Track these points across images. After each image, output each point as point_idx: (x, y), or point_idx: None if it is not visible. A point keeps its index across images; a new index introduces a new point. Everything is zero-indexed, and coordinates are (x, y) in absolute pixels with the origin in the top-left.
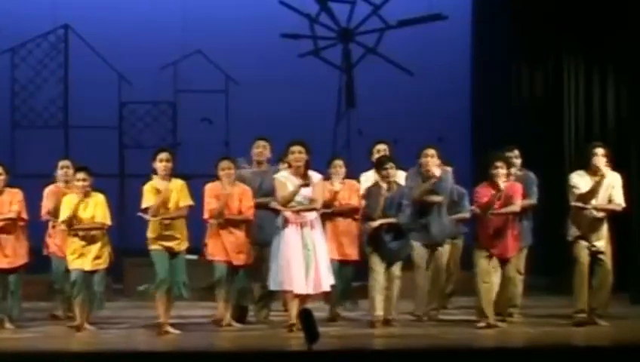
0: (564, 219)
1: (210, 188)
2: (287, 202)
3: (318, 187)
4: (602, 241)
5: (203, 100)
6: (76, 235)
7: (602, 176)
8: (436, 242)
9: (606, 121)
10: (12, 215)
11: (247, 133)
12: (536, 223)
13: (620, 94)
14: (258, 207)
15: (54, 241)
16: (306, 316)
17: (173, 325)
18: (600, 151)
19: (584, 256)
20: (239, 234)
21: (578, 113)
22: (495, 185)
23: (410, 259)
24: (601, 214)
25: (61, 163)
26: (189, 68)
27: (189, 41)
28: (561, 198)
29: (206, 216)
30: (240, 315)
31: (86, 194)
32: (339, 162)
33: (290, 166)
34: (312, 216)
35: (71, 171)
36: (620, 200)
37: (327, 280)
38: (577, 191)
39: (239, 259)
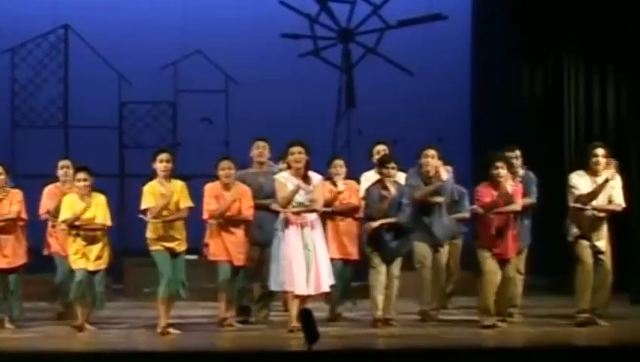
0: (564, 219)
1: (209, 188)
2: (287, 202)
3: (318, 188)
4: (602, 241)
5: (203, 100)
6: (78, 235)
7: (607, 181)
8: (438, 242)
9: (606, 121)
10: (13, 215)
11: (247, 133)
12: (536, 223)
13: (620, 94)
14: (259, 208)
15: (57, 241)
16: (306, 316)
17: (173, 325)
18: (600, 151)
19: (588, 256)
20: (239, 235)
21: (578, 113)
22: (496, 185)
23: (409, 258)
24: (601, 214)
25: (61, 163)
26: (189, 68)
27: (189, 41)
28: (561, 198)
29: (205, 216)
30: (244, 315)
31: (87, 194)
32: (339, 162)
33: (290, 167)
34: (312, 216)
35: (71, 171)
36: (620, 201)
37: (327, 281)
38: (577, 192)
39: (240, 260)
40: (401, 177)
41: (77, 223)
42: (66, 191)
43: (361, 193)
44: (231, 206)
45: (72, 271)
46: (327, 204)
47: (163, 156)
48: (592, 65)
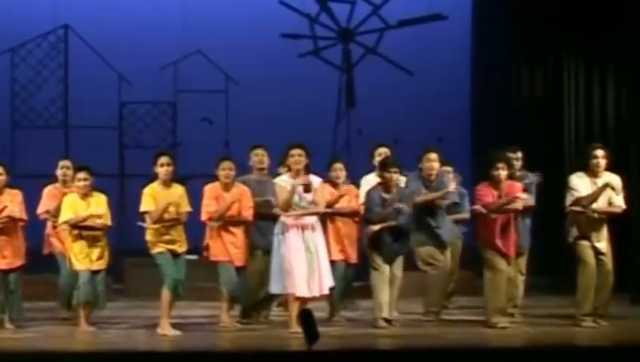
0: (564, 219)
1: (209, 189)
2: (287, 204)
3: (319, 191)
4: (603, 243)
5: (203, 100)
6: (80, 236)
7: (606, 185)
8: (444, 245)
9: (606, 121)
10: (16, 214)
11: (247, 133)
12: (536, 224)
13: (620, 94)
14: (262, 217)
15: (59, 241)
16: (306, 316)
17: (173, 325)
18: (600, 152)
19: (590, 256)
20: (239, 236)
21: (578, 113)
22: (497, 185)
23: (409, 258)
24: (601, 216)
25: (61, 163)
26: (189, 68)
27: (189, 41)
28: (561, 199)
29: (204, 217)
30: (247, 315)
31: (87, 194)
32: (339, 165)
33: (289, 169)
34: (313, 219)
35: (70, 171)
36: (620, 203)
37: (328, 283)
38: (577, 194)
39: (240, 260)
40: (401, 182)
41: (80, 223)
42: (66, 191)
43: (362, 196)
44: (230, 207)
45: (75, 273)
46: (328, 205)
47: (164, 160)
48: (592, 65)
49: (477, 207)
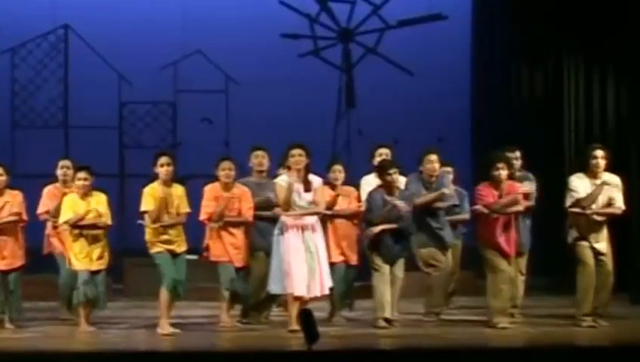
0: (564, 220)
1: (209, 189)
2: (286, 203)
3: (319, 191)
4: (603, 243)
5: (203, 100)
6: (80, 235)
7: (603, 183)
8: (446, 246)
9: (606, 122)
10: (14, 215)
11: (247, 133)
12: (536, 224)
13: (620, 94)
14: (262, 217)
15: (59, 241)
16: (306, 316)
17: (173, 325)
18: (599, 153)
19: (589, 257)
20: (239, 236)
21: (578, 113)
22: (497, 186)
23: (410, 259)
24: (601, 218)
25: (61, 163)
26: (189, 68)
27: (189, 41)
28: (561, 199)
29: (202, 217)
30: (247, 315)
31: (87, 194)
32: (338, 167)
33: (290, 169)
34: (313, 219)
35: (70, 171)
36: (620, 204)
37: (328, 283)
38: (576, 195)
39: (240, 261)
40: (401, 181)
41: (81, 222)
42: (66, 191)
43: (363, 196)
44: (228, 205)
45: (74, 273)
46: (328, 206)
47: (164, 160)
48: (592, 65)
49: (478, 207)
